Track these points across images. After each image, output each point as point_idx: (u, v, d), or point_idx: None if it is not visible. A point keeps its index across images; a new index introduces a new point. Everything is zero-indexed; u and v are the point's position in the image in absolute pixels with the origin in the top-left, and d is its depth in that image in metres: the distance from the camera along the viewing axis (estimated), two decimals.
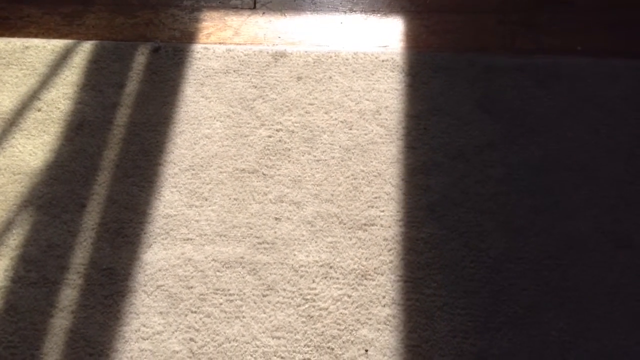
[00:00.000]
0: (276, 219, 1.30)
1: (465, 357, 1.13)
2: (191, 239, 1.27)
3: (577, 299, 1.19)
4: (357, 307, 1.19)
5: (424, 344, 1.14)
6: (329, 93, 1.50)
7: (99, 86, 1.52)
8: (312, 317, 1.18)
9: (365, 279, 1.22)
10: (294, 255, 1.25)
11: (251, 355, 1.13)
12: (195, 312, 1.18)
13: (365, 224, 1.29)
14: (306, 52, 1.58)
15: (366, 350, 1.14)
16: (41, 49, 1.59)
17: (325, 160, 1.39)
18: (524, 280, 1.21)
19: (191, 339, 1.15)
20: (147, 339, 1.15)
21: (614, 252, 1.25)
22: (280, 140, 1.42)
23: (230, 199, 1.33)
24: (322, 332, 1.16)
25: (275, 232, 1.28)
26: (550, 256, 1.24)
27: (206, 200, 1.33)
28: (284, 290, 1.21)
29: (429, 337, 1.15)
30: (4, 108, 1.48)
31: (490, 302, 1.19)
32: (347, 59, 1.56)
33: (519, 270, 1.22)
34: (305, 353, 1.14)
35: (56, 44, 1.60)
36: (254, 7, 1.70)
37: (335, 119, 1.45)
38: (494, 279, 1.21)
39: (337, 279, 1.22)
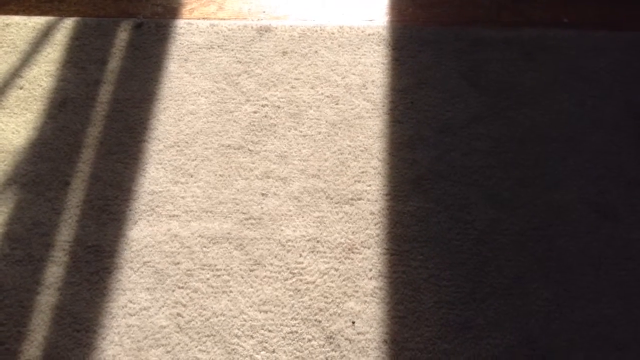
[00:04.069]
0: (263, 194, 1.30)
1: (451, 328, 1.14)
2: (177, 216, 1.27)
3: (562, 269, 1.20)
4: (344, 280, 1.19)
5: (410, 315, 1.15)
6: (314, 68, 1.49)
7: (81, 63, 1.49)
8: (299, 290, 1.18)
9: (352, 252, 1.22)
10: (281, 230, 1.25)
11: (238, 329, 1.13)
12: (182, 287, 1.18)
13: (351, 199, 1.29)
14: (291, 26, 1.56)
15: (353, 322, 1.14)
16: (22, 26, 1.56)
17: (312, 135, 1.38)
18: (509, 251, 1.22)
19: (178, 314, 1.15)
20: (134, 314, 1.15)
21: (599, 223, 1.25)
22: (265, 116, 1.41)
23: (215, 175, 1.32)
24: (309, 305, 1.16)
25: (261, 208, 1.28)
26: (535, 227, 1.25)
27: (191, 176, 1.32)
28: (271, 264, 1.21)
29: (415, 308, 1.16)
30: None
31: (476, 273, 1.20)
32: (332, 33, 1.54)
33: (505, 241, 1.23)
34: (293, 326, 1.14)
35: (37, 21, 1.57)
36: None
37: (322, 93, 1.44)
38: (479, 250, 1.22)
39: (324, 252, 1.22)
